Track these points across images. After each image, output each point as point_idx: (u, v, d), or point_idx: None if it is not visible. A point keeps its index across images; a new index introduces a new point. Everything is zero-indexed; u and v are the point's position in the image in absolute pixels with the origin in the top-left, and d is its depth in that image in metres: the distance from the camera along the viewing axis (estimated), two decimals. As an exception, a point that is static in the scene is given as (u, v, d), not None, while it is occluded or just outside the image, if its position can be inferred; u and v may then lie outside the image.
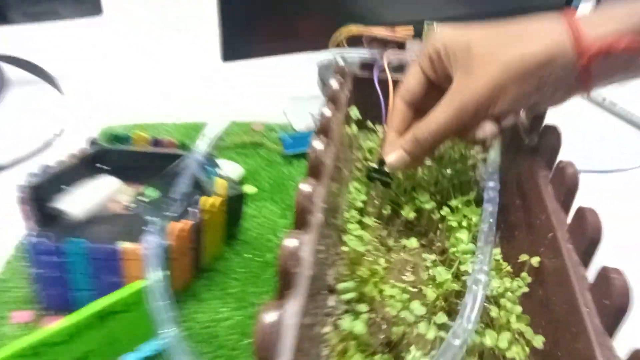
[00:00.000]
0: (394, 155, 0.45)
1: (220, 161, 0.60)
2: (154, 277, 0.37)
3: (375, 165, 0.49)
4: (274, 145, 0.67)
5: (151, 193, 0.54)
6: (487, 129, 0.42)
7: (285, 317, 0.31)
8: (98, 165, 0.54)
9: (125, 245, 0.42)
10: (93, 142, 0.52)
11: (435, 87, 0.46)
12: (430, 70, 0.45)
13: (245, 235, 0.54)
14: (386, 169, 0.47)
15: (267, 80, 0.84)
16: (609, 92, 0.83)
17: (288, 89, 0.82)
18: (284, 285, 0.33)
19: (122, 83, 0.84)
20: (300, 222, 0.37)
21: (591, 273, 0.35)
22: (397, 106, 0.47)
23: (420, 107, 0.46)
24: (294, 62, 0.76)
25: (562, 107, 0.43)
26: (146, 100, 0.80)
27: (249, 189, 0.60)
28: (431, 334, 0.35)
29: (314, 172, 0.41)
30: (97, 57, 0.91)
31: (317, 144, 0.40)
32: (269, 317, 0.28)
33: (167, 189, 0.53)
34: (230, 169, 0.59)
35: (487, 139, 0.43)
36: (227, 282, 0.49)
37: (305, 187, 0.36)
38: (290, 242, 0.32)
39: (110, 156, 0.54)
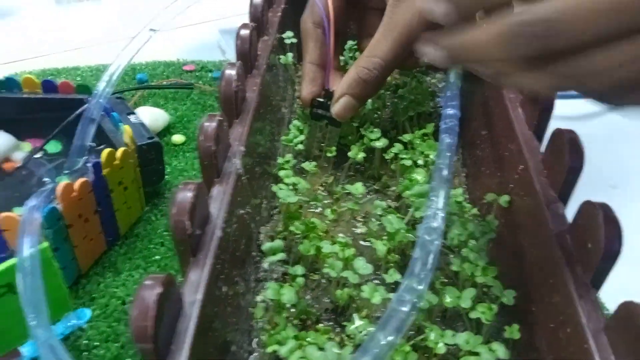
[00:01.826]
0: (339, 104, 0.39)
1: (141, 108, 0.51)
2: (26, 250, 0.29)
3: (320, 99, 0.41)
4: (209, 87, 0.58)
5: (52, 148, 0.45)
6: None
7: (185, 292, 0.24)
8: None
9: (3, 214, 0.33)
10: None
11: (354, 5, 0.41)
12: None
13: (172, 192, 0.46)
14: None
15: (194, 9, 0.73)
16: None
17: (222, 19, 0.71)
18: (182, 250, 0.25)
19: (32, 24, 0.73)
20: (208, 171, 0.29)
21: (571, 211, 0.29)
22: (312, 35, 0.41)
23: (338, 32, 0.40)
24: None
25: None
26: (61, 43, 0.69)
27: (176, 138, 0.51)
28: (377, 297, 0.28)
29: (229, 107, 0.32)
30: None
31: (229, 72, 0.32)
32: (149, 295, 0.21)
33: (71, 142, 0.45)
34: (152, 116, 0.50)
35: (435, 61, 0.36)
36: (150, 249, 0.42)
37: (207, 124, 0.28)
38: (183, 196, 0.24)
39: (-2, 107, 0.44)
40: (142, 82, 0.58)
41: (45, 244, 0.31)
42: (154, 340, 0.21)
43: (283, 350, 0.26)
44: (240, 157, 0.31)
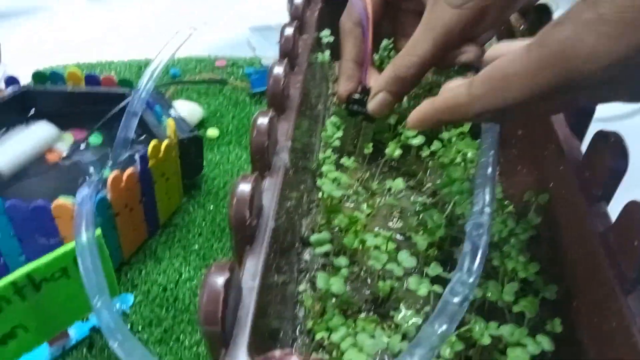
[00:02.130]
0: (376, 100, 0.40)
1: (176, 102, 0.52)
2: (84, 236, 0.30)
3: (356, 96, 0.41)
4: (240, 82, 0.59)
5: (94, 140, 0.46)
6: (471, 51, 0.36)
7: (244, 279, 0.25)
8: (30, 110, 0.46)
9: (57, 202, 0.35)
10: (11, 81, 0.44)
11: (393, 6, 0.41)
12: None
13: (209, 185, 0.47)
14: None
15: (226, 6, 0.74)
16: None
17: (252, 15, 0.72)
18: (238, 239, 0.26)
19: (64, 20, 0.74)
20: (258, 163, 0.30)
21: (614, 210, 0.29)
22: (351, 33, 0.41)
23: (375, 31, 0.41)
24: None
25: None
26: (92, 38, 0.70)
27: (211, 132, 0.53)
28: (424, 289, 0.29)
29: (276, 104, 0.33)
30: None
31: (277, 70, 0.33)
32: (218, 279, 0.22)
33: (112, 133, 0.46)
34: (188, 110, 0.52)
35: (472, 62, 0.36)
36: (188, 238, 0.43)
37: (261, 119, 0.29)
38: (244, 187, 0.25)
39: (43, 99, 0.46)
40: (175, 77, 0.59)
41: (99, 231, 0.32)
42: (222, 323, 0.22)
43: (335, 337, 0.27)
44: (288, 152, 0.32)
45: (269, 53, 0.64)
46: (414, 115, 0.31)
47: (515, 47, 0.25)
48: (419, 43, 0.37)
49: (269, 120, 0.30)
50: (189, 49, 0.64)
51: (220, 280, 0.22)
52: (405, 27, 0.43)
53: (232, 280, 0.23)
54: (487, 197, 0.29)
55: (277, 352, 0.21)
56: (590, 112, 0.34)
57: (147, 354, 0.25)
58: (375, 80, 0.40)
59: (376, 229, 0.39)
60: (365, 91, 0.41)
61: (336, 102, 0.50)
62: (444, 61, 0.39)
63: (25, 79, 0.47)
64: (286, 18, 0.72)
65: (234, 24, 0.71)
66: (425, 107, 0.31)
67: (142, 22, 0.75)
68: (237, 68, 0.62)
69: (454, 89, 0.28)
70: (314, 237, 0.32)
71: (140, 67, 0.62)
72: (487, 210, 0.28)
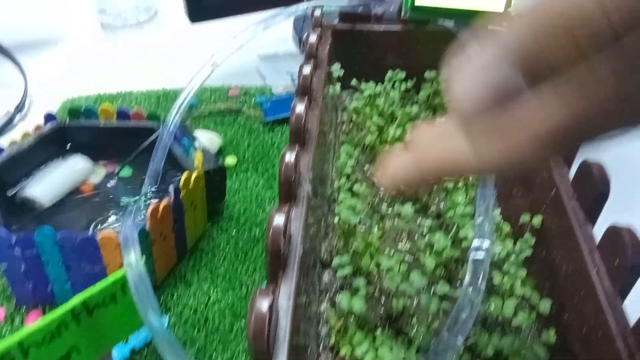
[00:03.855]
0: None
1: (196, 132, 0.56)
2: (133, 263, 0.34)
3: None
4: (254, 111, 0.64)
5: (125, 172, 0.50)
6: None
7: (280, 301, 0.29)
8: (67, 144, 0.50)
9: (102, 233, 0.38)
10: (50, 118, 0.48)
11: None
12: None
13: (230, 211, 0.51)
14: None
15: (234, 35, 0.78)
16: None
17: (260, 45, 0.76)
18: (274, 265, 0.30)
19: (83, 50, 0.79)
20: (286, 195, 0.34)
21: (598, 231, 0.33)
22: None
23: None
24: (265, 15, 0.71)
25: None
26: (110, 68, 0.74)
27: (229, 160, 0.57)
28: (434, 306, 0.33)
29: (298, 138, 0.37)
30: (53, 26, 0.85)
31: (299, 108, 0.37)
32: (263, 303, 0.26)
33: (140, 166, 0.50)
34: (207, 139, 0.56)
35: None
36: (214, 262, 0.47)
37: (289, 155, 0.33)
38: (278, 219, 0.29)
39: (78, 133, 0.50)
40: (192, 107, 0.64)
41: (143, 258, 0.36)
42: (268, 341, 0.25)
43: (358, 352, 0.30)
44: (309, 182, 0.36)
45: (278, 81, 0.68)
46: (387, 175, 0.23)
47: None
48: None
49: (295, 155, 0.34)
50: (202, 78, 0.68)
51: (265, 303, 0.26)
52: None
53: (274, 304, 0.27)
54: (487, 221, 0.34)
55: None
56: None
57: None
58: None
59: (387, 250, 0.43)
60: None
61: (345, 131, 0.54)
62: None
63: (47, 108, 0.49)
64: (292, 46, 0.77)
65: (244, 53, 0.75)
66: (403, 164, 0.23)
67: (156, 52, 0.79)
68: (250, 97, 0.67)
69: (450, 146, 0.20)
70: (335, 261, 0.36)
71: (159, 97, 0.66)
72: (487, 234, 0.32)
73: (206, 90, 0.67)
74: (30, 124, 0.48)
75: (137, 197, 0.41)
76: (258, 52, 0.74)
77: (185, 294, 0.44)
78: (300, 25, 0.76)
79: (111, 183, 0.49)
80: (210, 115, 0.63)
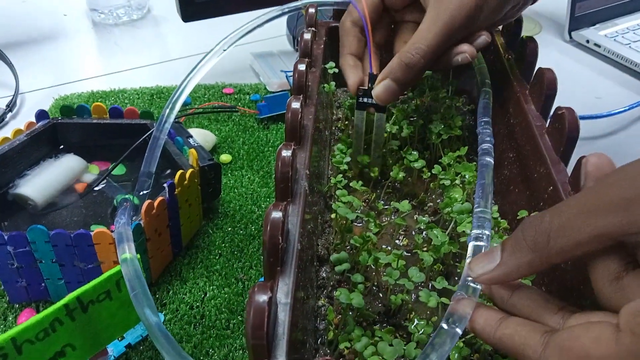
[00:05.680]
0: (381, 86, 0.42)
1: (191, 130, 0.56)
2: (128, 259, 0.34)
3: (364, 87, 0.44)
4: (248, 109, 0.63)
5: (118, 170, 0.49)
6: (466, 50, 0.41)
7: (278, 296, 0.29)
8: (59, 142, 0.49)
9: (97, 230, 0.38)
10: (42, 115, 0.47)
11: (389, 17, 0.47)
12: None
13: (225, 208, 0.51)
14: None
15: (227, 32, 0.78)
16: (591, 34, 0.80)
17: (253, 44, 0.76)
18: (272, 261, 0.30)
19: (75, 48, 0.78)
20: (283, 192, 0.33)
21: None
22: (350, 31, 0.46)
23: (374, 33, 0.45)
24: (257, 13, 0.71)
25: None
26: (103, 66, 0.74)
27: (224, 157, 0.56)
28: (432, 301, 0.33)
29: (293, 135, 0.37)
30: (45, 23, 0.84)
31: (295, 105, 0.37)
32: (262, 297, 0.25)
33: (134, 164, 0.49)
34: (202, 137, 0.55)
35: (466, 60, 0.41)
36: (210, 259, 0.46)
37: (285, 153, 0.32)
38: (275, 215, 0.29)
39: (70, 131, 0.49)
40: (187, 105, 0.63)
41: (137, 254, 0.35)
42: (267, 336, 0.25)
43: (358, 346, 0.30)
44: (306, 179, 0.36)
45: (272, 79, 0.67)
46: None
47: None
48: (424, 33, 0.40)
49: (292, 153, 0.34)
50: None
51: (263, 298, 0.25)
52: (403, 35, 0.47)
53: (272, 298, 0.26)
54: (487, 217, 0.33)
55: (318, 360, 0.24)
56: (575, 140, 0.38)
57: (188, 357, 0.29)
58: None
59: (384, 246, 0.43)
60: (373, 79, 0.43)
61: (341, 127, 0.54)
62: (442, 61, 0.42)
63: (39, 106, 0.49)
64: (286, 44, 0.76)
65: (237, 51, 0.75)
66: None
67: (149, 50, 0.78)
68: (244, 95, 0.66)
69: (523, 341, 0.25)
70: (333, 257, 0.36)
71: (152, 94, 0.66)
72: (487, 232, 0.32)
73: (200, 87, 0.67)
74: (21, 123, 0.47)
75: (131, 194, 0.41)
76: (251, 49, 0.74)
77: (181, 291, 0.44)
78: (294, 24, 0.76)
79: (105, 181, 0.48)
80: (205, 113, 0.63)
